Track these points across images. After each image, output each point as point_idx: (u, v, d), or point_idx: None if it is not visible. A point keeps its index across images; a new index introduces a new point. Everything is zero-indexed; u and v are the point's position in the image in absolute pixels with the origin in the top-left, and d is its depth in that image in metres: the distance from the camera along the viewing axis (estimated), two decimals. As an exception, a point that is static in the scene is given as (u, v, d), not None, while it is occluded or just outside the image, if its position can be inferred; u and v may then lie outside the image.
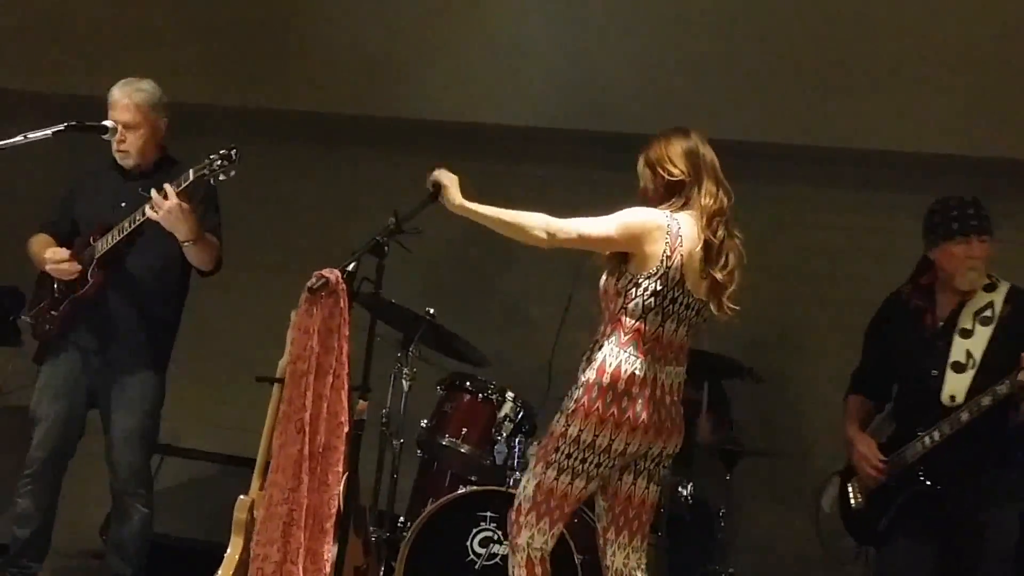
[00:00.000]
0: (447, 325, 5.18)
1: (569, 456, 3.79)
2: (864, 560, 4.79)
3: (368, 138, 6.60)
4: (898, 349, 4.64)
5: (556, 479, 3.80)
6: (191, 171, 4.53)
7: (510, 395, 5.10)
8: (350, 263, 3.84)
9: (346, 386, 3.77)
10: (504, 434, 5.04)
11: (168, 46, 6.27)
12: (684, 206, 3.88)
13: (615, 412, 3.75)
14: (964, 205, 4.48)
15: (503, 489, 4.83)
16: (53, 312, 4.85)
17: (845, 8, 5.62)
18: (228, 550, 4.45)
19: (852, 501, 4.73)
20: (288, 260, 6.20)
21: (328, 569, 3.63)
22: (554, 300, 5.38)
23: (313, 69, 6.27)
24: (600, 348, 3.83)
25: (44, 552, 4.92)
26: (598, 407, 3.75)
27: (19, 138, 4.43)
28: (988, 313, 4.42)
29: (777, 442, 5.77)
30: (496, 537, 4.72)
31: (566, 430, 3.79)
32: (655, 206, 3.90)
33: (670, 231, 3.80)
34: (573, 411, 3.79)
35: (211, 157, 4.49)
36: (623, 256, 3.85)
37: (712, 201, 3.89)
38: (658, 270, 3.79)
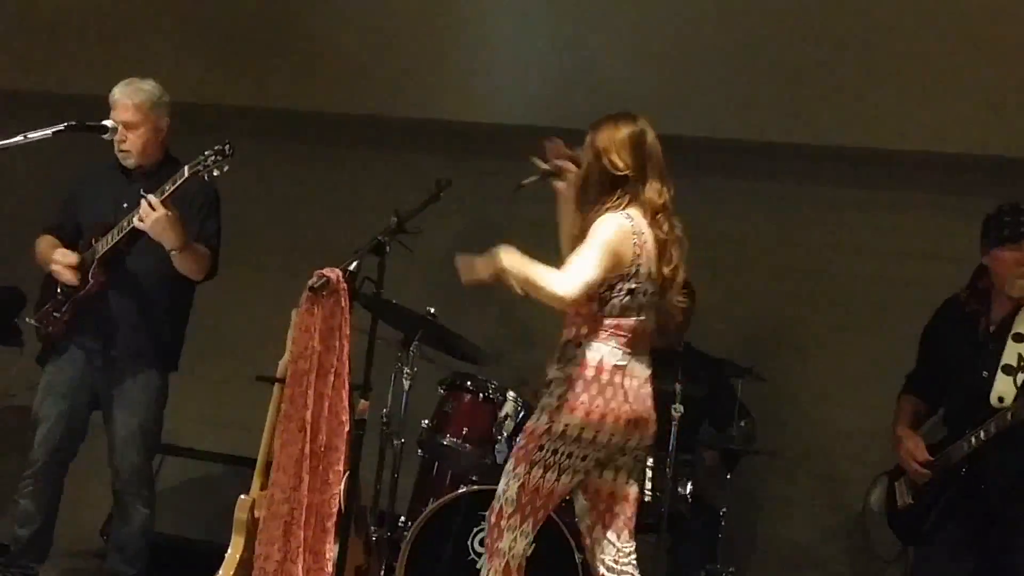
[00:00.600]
0: (448, 324, 5.18)
1: (556, 452, 3.76)
2: (905, 559, 4.79)
3: (370, 137, 6.59)
4: (950, 351, 4.64)
5: (542, 477, 3.77)
6: (186, 167, 4.54)
7: (511, 395, 5.09)
8: (351, 262, 3.85)
9: (347, 385, 3.78)
10: (505, 434, 5.03)
11: (168, 45, 6.27)
12: (631, 202, 3.85)
13: (600, 404, 3.75)
14: (1017, 211, 4.47)
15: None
16: (56, 314, 4.85)
17: (853, 4, 5.62)
18: (229, 550, 4.46)
19: (899, 500, 4.73)
20: (289, 260, 6.20)
21: (330, 568, 3.64)
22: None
23: (313, 68, 6.27)
24: (579, 345, 3.81)
25: (45, 552, 4.92)
26: (583, 401, 3.74)
27: (19, 138, 4.43)
28: None
29: (779, 441, 5.76)
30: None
31: (550, 427, 3.76)
32: (594, 197, 3.87)
33: (635, 231, 3.80)
34: (557, 407, 3.76)
35: (205, 153, 4.50)
36: None
37: (657, 196, 3.87)
38: (630, 272, 3.79)
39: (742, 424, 5.47)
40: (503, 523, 3.79)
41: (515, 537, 3.78)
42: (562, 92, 6.00)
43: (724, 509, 5.29)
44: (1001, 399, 4.36)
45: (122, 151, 4.84)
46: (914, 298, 5.09)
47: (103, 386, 4.84)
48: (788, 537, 6.03)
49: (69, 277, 4.79)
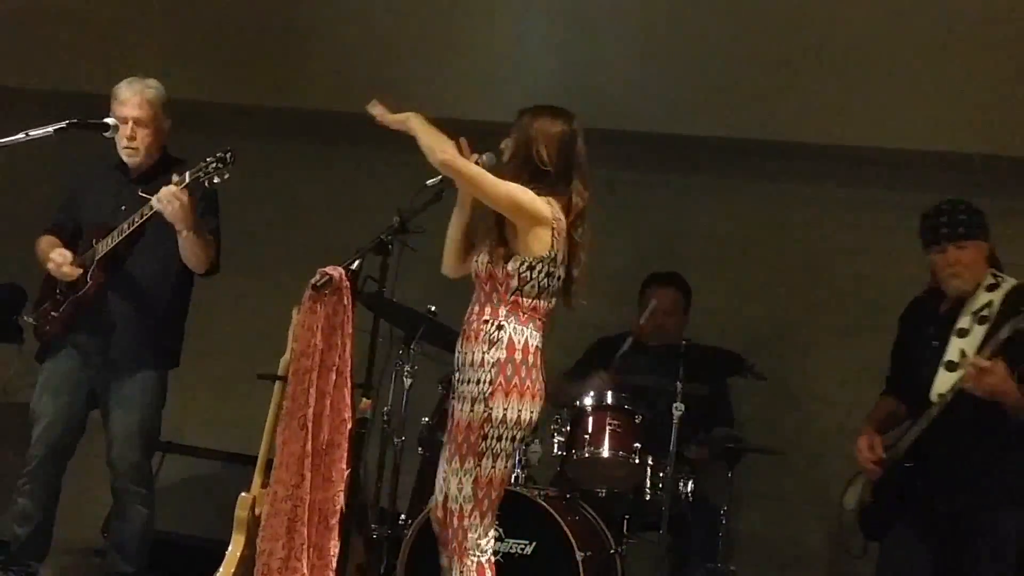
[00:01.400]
0: (448, 323, 5.18)
1: (500, 439, 3.78)
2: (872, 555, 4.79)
3: (372, 136, 6.56)
4: (908, 350, 4.66)
5: (493, 467, 3.78)
6: (187, 174, 4.53)
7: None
8: (354, 261, 3.84)
9: (349, 383, 3.78)
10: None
11: (170, 42, 6.27)
12: (550, 197, 3.87)
13: (529, 384, 3.80)
14: (938, 212, 4.46)
15: (505, 487, 4.84)
16: (54, 313, 4.84)
17: (851, 4, 5.64)
18: (230, 547, 4.45)
19: (862, 497, 4.74)
20: (290, 258, 6.20)
21: (335, 565, 3.65)
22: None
23: (317, 67, 6.27)
24: (500, 327, 3.82)
25: (45, 550, 4.91)
26: (516, 382, 3.77)
27: (21, 136, 4.42)
28: (985, 312, 4.35)
29: (779, 440, 5.77)
30: (498, 534, 4.70)
31: (490, 414, 3.76)
32: (511, 178, 3.87)
33: (555, 217, 3.85)
34: (492, 393, 3.77)
35: (207, 160, 4.49)
36: (505, 240, 3.86)
37: (580, 200, 3.91)
38: (549, 255, 3.84)
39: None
40: (465, 522, 3.79)
41: (479, 533, 3.79)
42: (565, 90, 5.98)
43: (725, 508, 5.30)
44: (941, 396, 4.34)
45: (129, 148, 4.82)
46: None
47: (101, 385, 4.83)
48: (789, 536, 6.04)
49: (67, 272, 4.78)
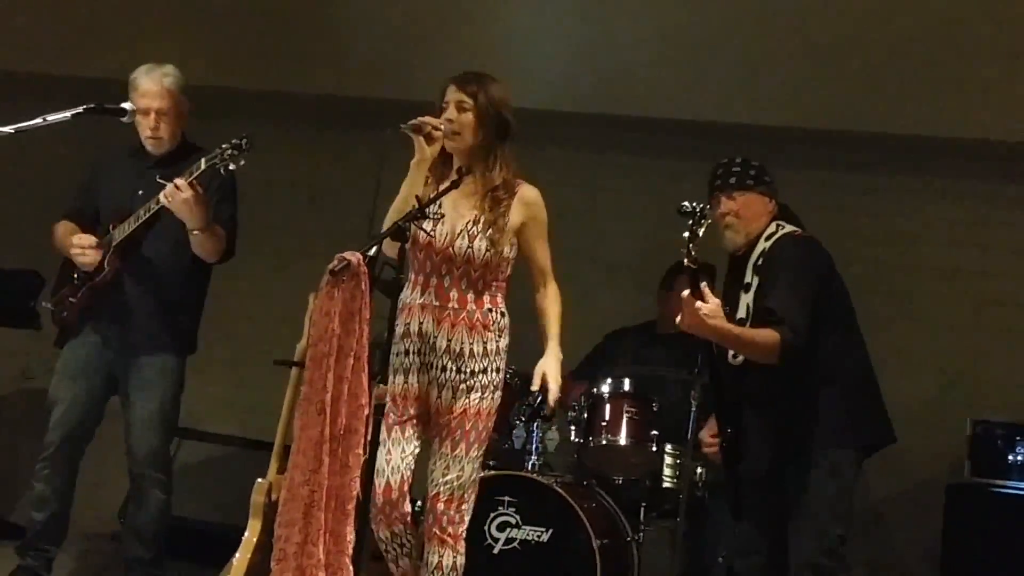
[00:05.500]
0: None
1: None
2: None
3: (389, 121, 6.57)
4: None
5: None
6: (203, 160, 4.52)
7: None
8: (372, 247, 3.84)
9: (366, 369, 3.78)
10: (522, 419, 5.04)
11: (188, 28, 6.27)
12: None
13: None
14: (714, 169, 4.40)
15: (522, 473, 4.84)
16: (72, 299, 4.85)
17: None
18: (246, 533, 4.46)
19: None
20: (307, 244, 6.20)
21: (351, 551, 3.65)
22: (570, 284, 5.37)
23: (333, 52, 6.27)
24: (503, 314, 3.91)
25: (62, 535, 4.93)
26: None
27: (38, 120, 4.41)
28: (760, 262, 4.25)
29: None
30: (514, 521, 4.73)
31: (499, 401, 3.88)
32: (466, 145, 3.97)
33: None
34: (499, 379, 3.87)
35: (222, 146, 4.48)
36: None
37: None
38: None
39: None
40: (464, 508, 3.84)
41: (467, 521, 3.85)
42: (585, 76, 5.99)
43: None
44: (735, 355, 4.22)
45: (154, 138, 4.82)
46: (938, 285, 5.04)
47: (120, 370, 4.84)
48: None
49: (90, 258, 4.77)
